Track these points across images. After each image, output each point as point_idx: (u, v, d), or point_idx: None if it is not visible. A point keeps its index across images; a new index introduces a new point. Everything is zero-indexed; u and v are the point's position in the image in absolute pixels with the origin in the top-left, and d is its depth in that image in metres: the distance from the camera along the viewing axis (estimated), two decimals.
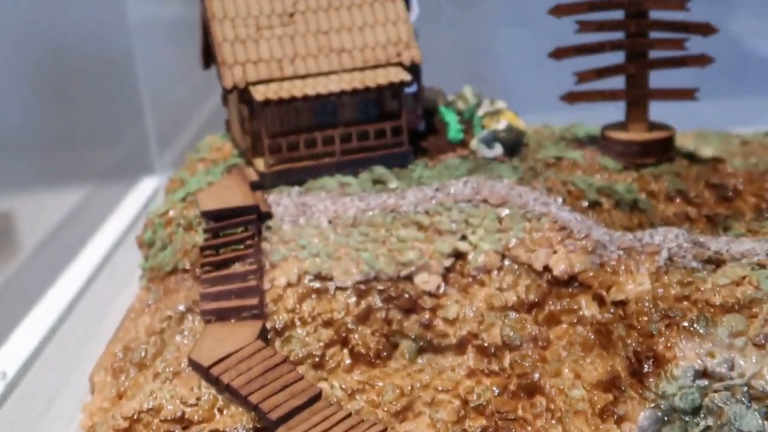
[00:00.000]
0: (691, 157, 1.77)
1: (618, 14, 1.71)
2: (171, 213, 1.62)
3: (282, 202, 1.55)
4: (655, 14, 1.70)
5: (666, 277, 1.34)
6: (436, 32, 2.60)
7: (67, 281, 1.92)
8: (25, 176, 2.35)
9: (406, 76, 1.60)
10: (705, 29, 1.67)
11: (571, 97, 1.76)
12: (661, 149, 1.74)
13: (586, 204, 1.58)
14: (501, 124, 1.72)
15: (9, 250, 2.17)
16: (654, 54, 1.72)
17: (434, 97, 1.90)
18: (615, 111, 1.83)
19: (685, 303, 1.29)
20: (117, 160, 2.56)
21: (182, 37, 2.49)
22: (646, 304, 1.31)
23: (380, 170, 1.62)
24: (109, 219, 2.28)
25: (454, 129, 1.75)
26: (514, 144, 1.69)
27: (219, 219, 1.49)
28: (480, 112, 1.86)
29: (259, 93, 1.56)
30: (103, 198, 2.42)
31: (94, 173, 2.48)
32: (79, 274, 1.95)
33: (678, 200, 1.64)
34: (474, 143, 1.67)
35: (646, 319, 1.30)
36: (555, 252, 1.45)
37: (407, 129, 1.65)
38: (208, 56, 1.75)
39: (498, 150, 1.67)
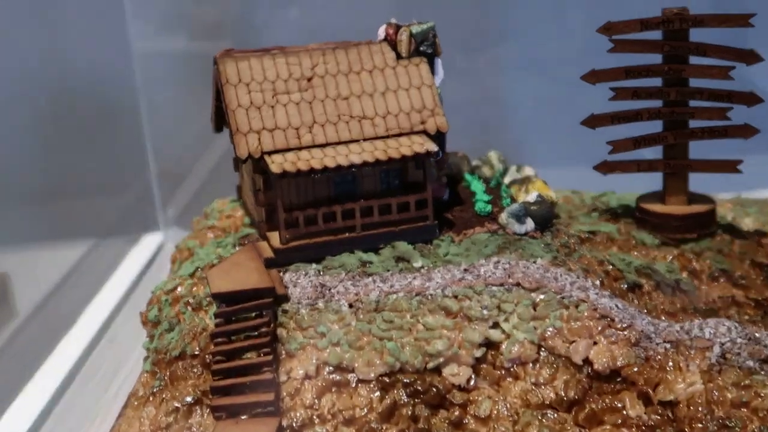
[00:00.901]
0: (732, 230, 1.68)
1: (656, 81, 1.64)
2: (179, 290, 1.54)
3: (299, 282, 1.46)
4: (695, 82, 1.62)
5: (720, 378, 1.25)
6: (448, 82, 2.56)
7: (63, 355, 1.82)
8: (19, 231, 2.27)
9: (432, 147, 1.52)
10: (749, 99, 1.59)
11: (606, 167, 1.68)
12: (702, 224, 1.65)
13: (625, 286, 1.50)
14: (531, 196, 1.64)
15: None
16: (694, 123, 1.64)
17: (459, 163, 1.82)
18: (647, 177, 1.76)
19: (744, 410, 1.19)
20: (118, 214, 2.47)
21: (187, 78, 2.43)
22: (700, 408, 1.21)
23: (404, 246, 1.54)
24: (110, 280, 2.18)
25: (482, 201, 1.67)
26: (545, 217, 1.61)
27: (231, 302, 1.40)
28: (507, 180, 1.78)
29: (275, 164, 1.48)
30: (103, 256, 2.33)
31: (93, 228, 2.39)
32: (75, 345, 1.85)
33: (722, 281, 1.55)
34: (503, 218, 1.59)
35: (700, 426, 1.20)
36: (595, 343, 1.36)
37: (432, 200, 1.57)
38: (221, 120, 1.67)
39: (529, 225, 1.59)
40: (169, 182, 2.51)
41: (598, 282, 1.48)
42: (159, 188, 2.50)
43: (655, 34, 1.62)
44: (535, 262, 1.49)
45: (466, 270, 1.48)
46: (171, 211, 2.49)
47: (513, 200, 1.69)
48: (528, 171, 1.80)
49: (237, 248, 1.60)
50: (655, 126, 1.67)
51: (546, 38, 2.55)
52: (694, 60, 1.61)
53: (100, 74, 2.35)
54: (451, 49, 2.55)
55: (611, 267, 1.54)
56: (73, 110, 2.30)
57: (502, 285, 1.43)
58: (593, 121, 1.66)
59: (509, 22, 2.56)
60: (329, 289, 1.45)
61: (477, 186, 1.74)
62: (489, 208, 1.66)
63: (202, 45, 2.44)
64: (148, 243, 2.41)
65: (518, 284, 1.43)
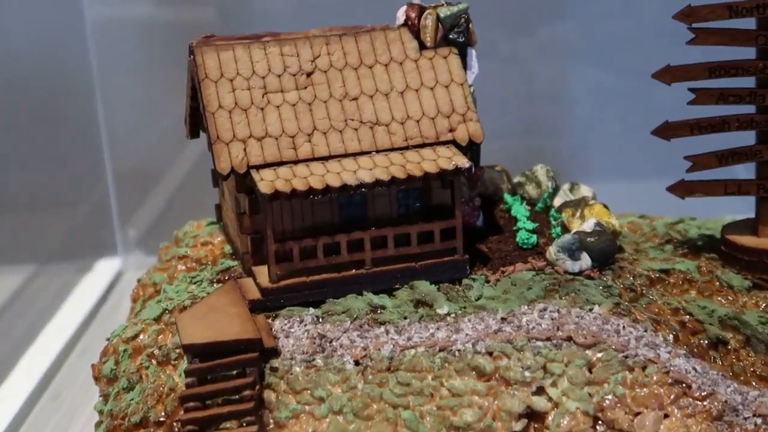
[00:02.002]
0: None
1: (747, 82, 1.65)
2: (141, 338, 1.56)
3: (292, 332, 1.48)
4: None
5: None
6: (486, 72, 2.58)
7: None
8: None
9: (463, 161, 1.54)
10: None
11: (684, 189, 1.70)
12: None
13: (705, 343, 1.51)
14: (588, 224, 1.66)
15: None
16: None
17: (496, 181, 1.84)
18: (736, 201, 1.78)
19: None
20: (65, 234, 2.50)
21: (156, 56, 2.45)
22: None
23: (425, 287, 1.56)
24: (53, 319, 2.21)
25: (525, 229, 1.69)
26: (606, 252, 1.62)
27: (207, 356, 1.42)
28: (557, 202, 1.80)
29: (265, 182, 1.50)
30: (45, 287, 2.35)
31: (33, 251, 2.42)
32: (8, 403, 1.87)
33: None
34: (552, 252, 1.60)
35: None
36: (666, 416, 1.37)
37: (462, 228, 1.59)
38: (197, 123, 1.70)
39: (585, 261, 1.60)
40: (131, 193, 2.53)
41: (671, 337, 1.49)
42: (117, 201, 2.53)
43: (748, 23, 1.63)
44: (591, 311, 1.50)
45: (503, 319, 1.49)
46: (132, 232, 2.52)
47: (565, 229, 1.71)
48: (585, 191, 1.82)
49: (215, 286, 1.62)
50: (746, 138, 1.68)
51: (612, 18, 2.57)
52: None
53: (44, 51, 2.38)
54: (490, 32, 2.57)
55: (688, 317, 1.55)
56: (9, 98, 2.33)
57: (548, 339, 1.45)
58: (667, 131, 1.68)
59: None
60: (330, 342, 1.46)
61: (519, 210, 1.76)
62: (534, 238, 1.68)
63: (176, 13, 2.47)
64: (103, 271, 2.44)
65: (569, 339, 1.45)
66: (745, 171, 1.74)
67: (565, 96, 2.63)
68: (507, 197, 1.80)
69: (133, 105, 2.49)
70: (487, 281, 1.60)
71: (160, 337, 1.54)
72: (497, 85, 2.50)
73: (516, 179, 1.86)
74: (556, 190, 1.82)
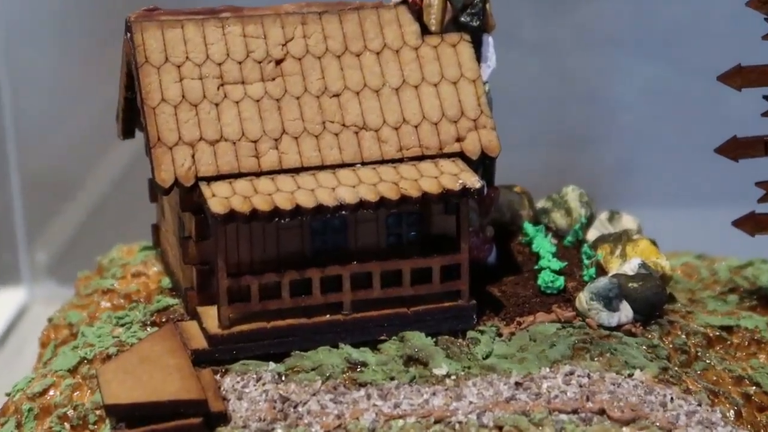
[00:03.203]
0: None
1: None
2: (51, 395, 1.57)
3: (247, 392, 1.50)
4: None
5: None
6: (507, 65, 2.60)
7: None
8: None
9: (473, 180, 1.57)
10: None
11: (753, 224, 1.73)
12: None
13: None
14: (630, 265, 1.68)
15: None
16: None
17: (515, 205, 1.86)
18: None
19: None
20: None
21: (70, 45, 2.47)
22: None
23: (419, 341, 1.58)
24: None
25: (549, 269, 1.71)
26: (652, 302, 1.65)
27: (136, 421, 1.44)
28: (591, 235, 1.83)
29: (217, 199, 1.52)
30: None
31: None
32: None
33: None
34: (584, 299, 1.63)
35: None
36: None
37: (469, 265, 1.61)
38: (132, 120, 1.72)
39: (625, 313, 1.63)
40: (41, 206, 2.55)
41: (731, 413, 1.51)
42: (24, 215, 2.55)
43: None
44: (631, 376, 1.52)
45: (518, 384, 1.51)
46: (41, 255, 2.53)
47: (601, 270, 1.73)
48: (627, 222, 1.85)
49: (149, 330, 1.64)
50: None
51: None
52: None
53: None
54: (513, 12, 2.60)
55: (755, 388, 1.57)
56: None
57: (575, 412, 1.47)
58: (736, 149, 1.71)
59: None
60: (295, 407, 1.48)
61: (543, 244, 1.78)
62: (560, 281, 1.70)
63: None
64: (3, 304, 2.45)
65: (602, 412, 1.46)
66: None
67: (608, 97, 2.66)
68: (528, 227, 1.82)
69: (48, 93, 2.50)
70: (499, 335, 1.62)
71: (75, 394, 1.56)
72: (520, 81, 2.53)
73: (540, 204, 1.89)
74: (590, 219, 1.85)
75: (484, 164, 1.69)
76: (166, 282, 1.75)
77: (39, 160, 2.51)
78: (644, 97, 2.65)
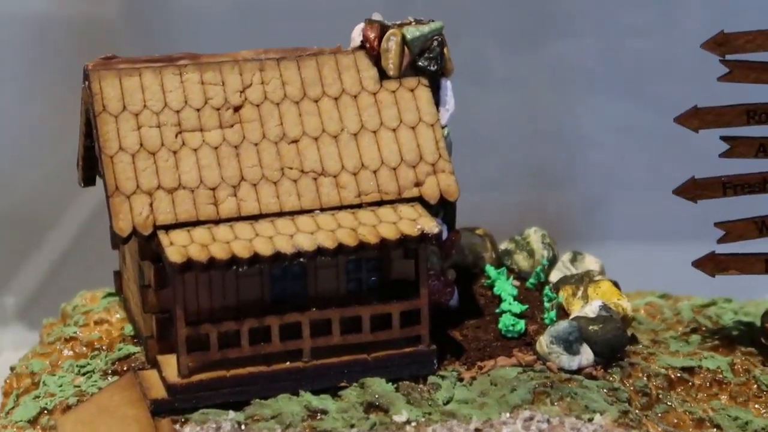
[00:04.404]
0: None
1: None
2: None
3: None
4: None
5: None
6: (480, 99, 2.61)
7: None
8: None
9: (432, 226, 1.57)
10: None
11: (713, 265, 1.74)
12: None
13: None
14: (591, 307, 1.69)
15: None
16: None
17: (477, 248, 1.87)
18: None
19: None
20: None
21: (38, 84, 2.47)
22: None
23: (380, 387, 1.58)
24: None
25: (510, 313, 1.72)
26: (613, 344, 1.65)
27: None
28: (554, 277, 1.83)
29: (174, 248, 1.52)
30: None
31: None
32: None
33: None
34: (544, 343, 1.64)
35: None
36: None
37: (429, 310, 1.62)
38: (92, 168, 1.73)
39: (586, 356, 1.64)
40: (10, 250, 2.55)
41: None
42: None
43: None
44: (591, 421, 1.53)
45: (477, 430, 1.51)
46: (9, 300, 2.53)
47: (563, 312, 1.74)
48: (590, 263, 1.85)
49: (110, 379, 1.64)
50: None
51: (640, 35, 2.61)
52: None
53: None
54: (481, 49, 2.61)
55: (715, 430, 1.58)
56: None
57: None
58: (694, 190, 1.72)
59: (578, 4, 2.63)
60: None
61: (504, 287, 1.79)
62: (521, 325, 1.71)
63: (75, 11, 2.49)
64: None
65: None
66: None
67: (576, 135, 2.66)
68: (490, 270, 1.83)
69: (15, 133, 2.50)
70: (460, 380, 1.62)
71: None
72: (486, 118, 2.54)
73: (502, 246, 1.89)
74: (553, 261, 1.86)
75: (444, 208, 1.70)
76: (129, 329, 1.75)
77: (6, 205, 2.50)
78: (612, 135, 2.65)
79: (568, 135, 2.67)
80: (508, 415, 1.54)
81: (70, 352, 1.75)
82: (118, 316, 1.79)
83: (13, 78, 2.49)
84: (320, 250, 1.54)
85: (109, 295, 1.85)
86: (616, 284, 1.77)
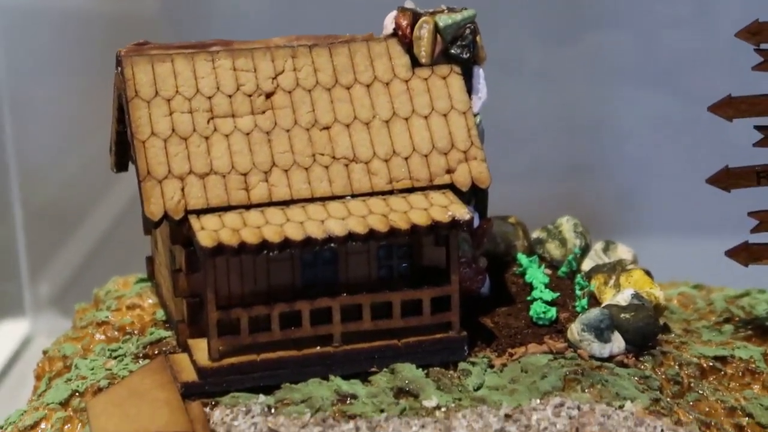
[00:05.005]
0: None
1: None
2: (41, 428, 1.58)
3: (236, 425, 1.50)
4: None
5: None
6: (516, 90, 2.61)
7: None
8: None
9: (463, 212, 1.57)
10: None
11: (747, 255, 1.73)
12: None
13: None
14: (623, 296, 1.68)
15: None
16: None
17: (509, 236, 1.87)
18: None
19: None
20: None
21: (74, 76, 2.49)
22: None
23: (410, 372, 1.58)
24: None
25: (541, 300, 1.71)
26: (644, 333, 1.64)
27: None
28: (586, 266, 1.83)
29: (206, 232, 1.53)
30: None
31: None
32: None
33: None
34: (575, 330, 1.63)
35: None
36: None
37: (460, 296, 1.62)
38: (125, 154, 1.73)
39: (617, 344, 1.63)
40: (44, 238, 2.56)
41: None
42: (27, 247, 2.56)
43: None
44: (621, 408, 1.52)
45: (507, 416, 1.51)
46: (45, 287, 2.55)
47: (594, 301, 1.73)
48: (623, 252, 1.85)
49: (140, 363, 1.64)
50: None
51: (677, 28, 2.60)
52: None
53: None
54: (515, 41, 2.61)
55: (747, 419, 1.57)
56: None
57: None
58: (728, 179, 1.71)
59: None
60: None
61: (536, 275, 1.78)
62: (552, 312, 1.70)
63: (112, 4, 2.51)
64: (6, 336, 2.47)
65: None
66: None
67: (611, 126, 2.65)
68: (522, 258, 1.83)
69: (51, 125, 2.51)
70: (491, 366, 1.62)
71: (66, 427, 1.57)
72: (519, 110, 2.53)
73: (534, 235, 1.89)
74: (585, 250, 1.85)
75: (476, 195, 1.69)
76: (160, 314, 1.76)
77: (42, 194, 2.52)
78: (648, 127, 2.64)
79: (603, 126, 2.66)
80: (538, 401, 1.54)
81: (102, 336, 1.76)
82: (150, 301, 1.80)
83: (52, 71, 2.51)
84: (351, 236, 1.54)
85: (142, 280, 1.86)
86: (648, 273, 1.76)
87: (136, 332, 1.73)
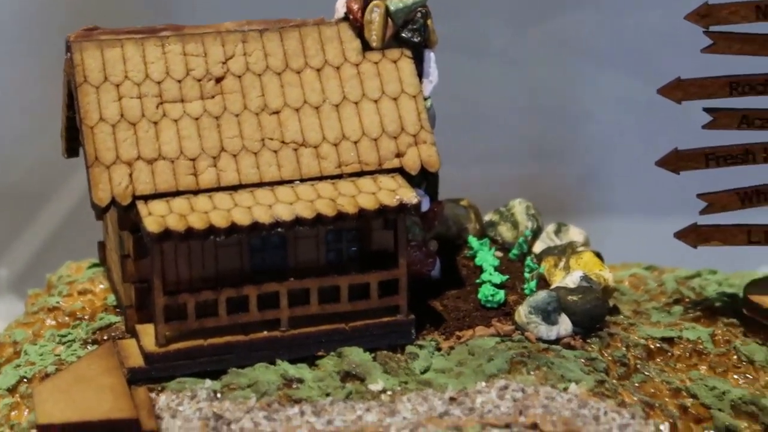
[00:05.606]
0: None
1: None
2: None
3: (181, 411, 1.50)
4: None
5: None
6: (480, 72, 2.60)
7: None
8: None
9: (410, 196, 1.57)
10: None
11: (696, 236, 1.73)
12: None
13: None
14: (572, 278, 1.68)
15: None
16: None
17: (461, 219, 1.86)
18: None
19: None
20: None
21: (30, 59, 2.48)
22: None
23: (357, 356, 1.58)
24: None
25: (490, 283, 1.71)
26: (592, 315, 1.65)
27: None
28: (538, 248, 1.83)
29: (152, 218, 1.52)
30: None
31: None
32: None
33: None
34: (522, 313, 1.63)
35: None
36: None
37: (409, 280, 1.61)
38: (74, 139, 1.73)
39: (564, 326, 1.63)
40: (4, 223, 2.56)
41: (665, 426, 1.51)
42: None
43: None
44: (566, 390, 1.52)
45: (452, 399, 1.51)
46: (2, 272, 2.54)
47: (545, 283, 1.73)
48: (574, 234, 1.85)
49: (89, 348, 1.64)
50: None
51: (642, 9, 2.59)
52: None
53: None
54: (483, 24, 2.60)
55: (692, 400, 1.57)
56: None
57: (508, 426, 1.46)
58: (676, 161, 1.71)
59: None
60: (228, 424, 1.48)
61: (486, 258, 1.78)
62: (501, 295, 1.70)
63: None
64: None
65: (535, 426, 1.46)
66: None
67: (574, 109, 2.65)
68: (472, 241, 1.83)
69: (6, 111, 2.50)
70: (438, 349, 1.62)
71: (13, 413, 1.56)
72: (480, 91, 2.53)
73: (487, 217, 1.89)
74: (537, 232, 1.85)
75: (427, 179, 1.69)
76: (112, 299, 1.76)
77: (1, 182, 2.51)
78: (610, 109, 2.64)
79: (567, 108, 2.66)
80: (483, 384, 1.54)
81: (53, 322, 1.75)
82: (102, 286, 1.80)
83: (6, 57, 2.49)
84: (298, 221, 1.54)
85: (95, 265, 1.86)
86: (598, 255, 1.77)
87: (86, 317, 1.73)
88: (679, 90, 1.68)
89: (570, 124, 2.64)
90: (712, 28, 1.67)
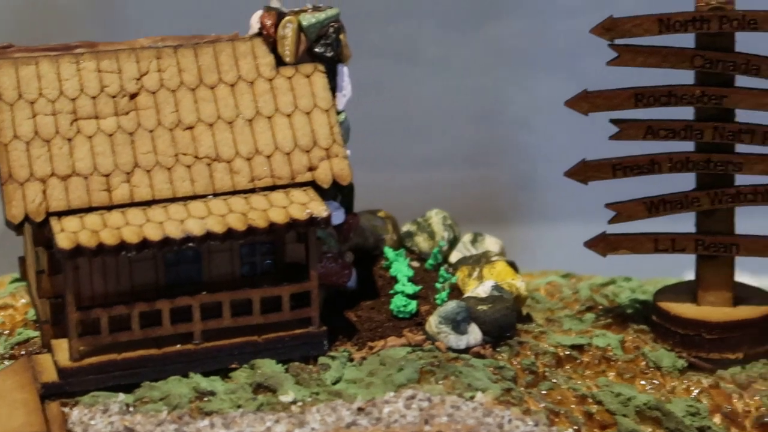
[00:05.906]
0: None
1: (683, 113, 1.72)
2: None
3: (93, 425, 1.51)
4: (743, 116, 1.70)
5: None
6: (412, 80, 2.61)
7: None
8: None
9: (320, 209, 1.59)
10: None
11: (605, 245, 1.75)
12: (754, 337, 1.72)
13: None
14: (483, 288, 1.71)
15: None
16: (742, 180, 1.72)
17: (378, 230, 1.89)
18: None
19: None
20: None
21: None
22: None
23: (269, 368, 1.60)
24: None
25: (403, 293, 1.73)
26: (501, 324, 1.67)
27: None
28: (454, 258, 1.85)
29: (64, 234, 1.54)
30: None
31: None
32: None
33: None
34: (433, 322, 1.66)
35: None
36: None
37: (322, 291, 1.64)
38: None
39: (473, 335, 1.66)
40: None
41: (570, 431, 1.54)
42: None
43: (683, 39, 1.69)
44: (472, 398, 1.55)
45: (360, 409, 1.53)
46: None
47: (458, 293, 1.76)
48: (490, 244, 1.87)
49: (6, 363, 1.65)
50: (684, 181, 1.74)
51: (579, 15, 2.61)
52: (741, 81, 1.69)
53: None
54: (415, 32, 2.61)
55: (597, 407, 1.60)
56: None
57: None
58: (585, 171, 1.74)
59: None
60: None
61: (400, 268, 1.80)
62: (413, 305, 1.72)
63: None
64: None
65: None
66: (682, 224, 1.78)
67: (505, 116, 2.67)
68: (388, 251, 1.85)
69: None
70: (351, 360, 1.64)
71: None
72: (408, 99, 2.54)
73: (405, 228, 1.91)
74: (454, 242, 1.87)
75: (341, 191, 1.71)
76: (32, 314, 1.77)
77: None
78: (543, 116, 2.66)
79: (499, 116, 2.68)
80: (392, 394, 1.56)
81: None
82: (23, 301, 1.80)
83: None
84: (209, 235, 1.56)
85: (16, 280, 1.86)
86: (512, 264, 1.79)
87: (5, 332, 1.74)
88: (585, 102, 1.71)
89: (501, 131, 2.66)
90: (617, 41, 1.69)
